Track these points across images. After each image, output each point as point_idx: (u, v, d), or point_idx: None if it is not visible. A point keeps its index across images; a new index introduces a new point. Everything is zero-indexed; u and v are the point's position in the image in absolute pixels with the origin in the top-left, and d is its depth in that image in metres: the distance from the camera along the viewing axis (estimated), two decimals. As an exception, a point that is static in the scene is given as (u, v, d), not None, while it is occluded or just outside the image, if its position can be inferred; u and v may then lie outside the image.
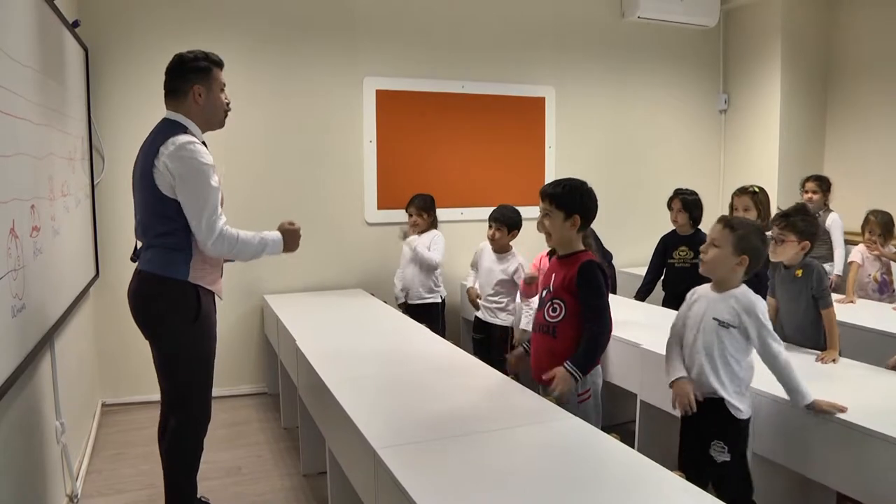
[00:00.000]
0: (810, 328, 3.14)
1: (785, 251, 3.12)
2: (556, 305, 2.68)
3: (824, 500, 2.87)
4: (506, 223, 4.10)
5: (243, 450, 3.85)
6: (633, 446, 2.16)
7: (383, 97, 4.99)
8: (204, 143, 2.69)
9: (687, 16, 5.76)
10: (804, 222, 3.13)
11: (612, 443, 2.11)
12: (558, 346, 2.66)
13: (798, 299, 3.15)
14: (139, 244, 2.74)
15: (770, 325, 2.38)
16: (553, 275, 2.72)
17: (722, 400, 2.38)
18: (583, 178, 2.72)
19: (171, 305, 2.61)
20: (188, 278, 2.60)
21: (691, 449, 2.50)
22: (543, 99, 5.53)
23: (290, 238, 2.80)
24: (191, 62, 2.67)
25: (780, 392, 2.43)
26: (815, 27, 5.93)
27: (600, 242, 4.48)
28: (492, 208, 4.20)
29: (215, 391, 2.83)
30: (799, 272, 3.14)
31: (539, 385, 2.81)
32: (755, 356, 2.43)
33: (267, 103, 4.73)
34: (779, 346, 2.37)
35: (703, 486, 2.05)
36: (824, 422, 2.33)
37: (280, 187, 4.78)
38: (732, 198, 4.08)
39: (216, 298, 2.79)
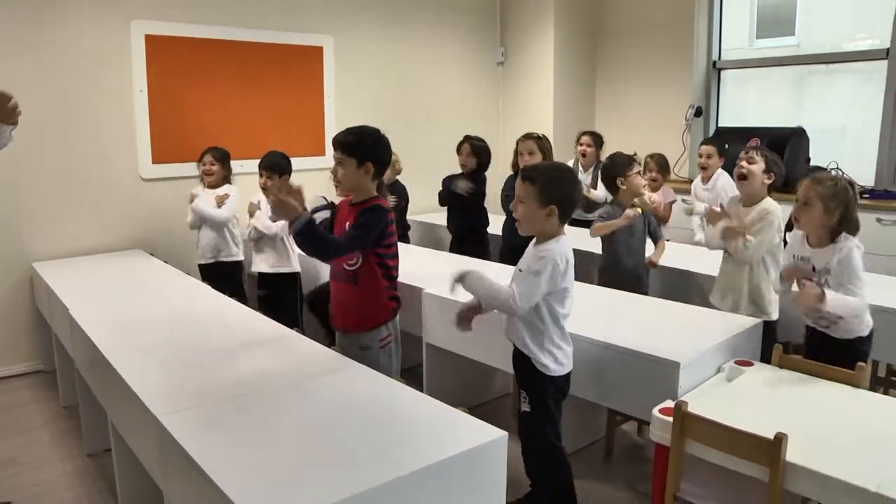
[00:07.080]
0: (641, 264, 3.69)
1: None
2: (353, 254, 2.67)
3: (596, 417, 3.22)
4: (276, 170, 4.02)
5: (18, 437, 3.53)
6: (421, 390, 2.24)
7: (153, 43, 4.61)
8: None
9: (465, -31, 5.89)
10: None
11: (400, 387, 2.17)
12: (361, 293, 2.70)
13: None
14: None
15: (538, 272, 2.30)
16: (347, 223, 2.71)
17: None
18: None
19: None
20: None
21: None
22: (321, 48, 5.42)
23: None
24: None
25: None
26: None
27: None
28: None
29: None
30: (639, 210, 3.63)
31: (337, 332, 2.87)
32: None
33: (19, 50, 4.17)
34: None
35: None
36: (592, 346, 2.59)
37: (41, 143, 4.28)
38: (518, 143, 4.19)
39: None
